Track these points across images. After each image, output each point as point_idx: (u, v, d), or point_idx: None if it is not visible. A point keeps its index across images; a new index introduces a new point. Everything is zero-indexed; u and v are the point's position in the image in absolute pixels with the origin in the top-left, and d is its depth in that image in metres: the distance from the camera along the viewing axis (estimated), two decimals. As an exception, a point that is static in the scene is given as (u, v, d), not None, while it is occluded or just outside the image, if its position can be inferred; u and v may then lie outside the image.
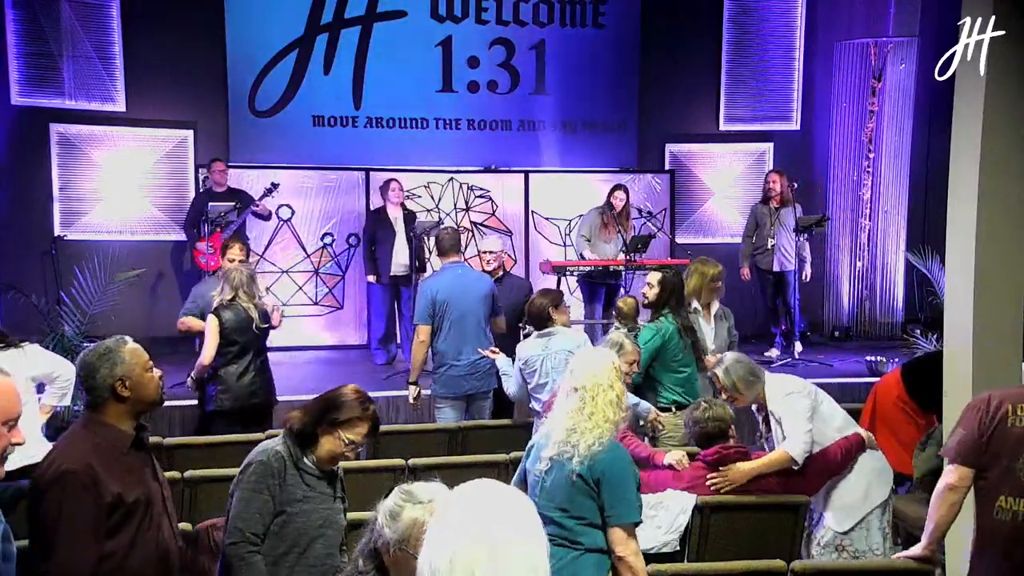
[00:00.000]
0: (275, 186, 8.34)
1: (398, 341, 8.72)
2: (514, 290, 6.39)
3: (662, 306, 5.46)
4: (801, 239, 8.54)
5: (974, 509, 3.27)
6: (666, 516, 3.96)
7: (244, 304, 5.52)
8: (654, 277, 5.56)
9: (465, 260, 7.00)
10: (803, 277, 8.76)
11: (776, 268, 8.68)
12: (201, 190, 8.78)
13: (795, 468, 4.10)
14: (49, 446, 3.93)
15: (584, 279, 8.44)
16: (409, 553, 2.17)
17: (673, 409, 5.27)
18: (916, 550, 3.40)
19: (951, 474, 3.23)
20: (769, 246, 8.65)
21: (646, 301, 5.60)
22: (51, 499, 2.80)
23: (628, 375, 4.73)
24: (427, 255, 8.33)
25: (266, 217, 8.69)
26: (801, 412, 4.16)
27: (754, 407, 4.44)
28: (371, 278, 8.48)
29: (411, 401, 5.94)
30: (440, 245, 6.00)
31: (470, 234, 9.51)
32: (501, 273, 6.39)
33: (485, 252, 6.41)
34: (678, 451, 4.33)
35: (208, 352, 5.48)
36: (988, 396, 3.24)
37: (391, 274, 8.34)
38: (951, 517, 3.27)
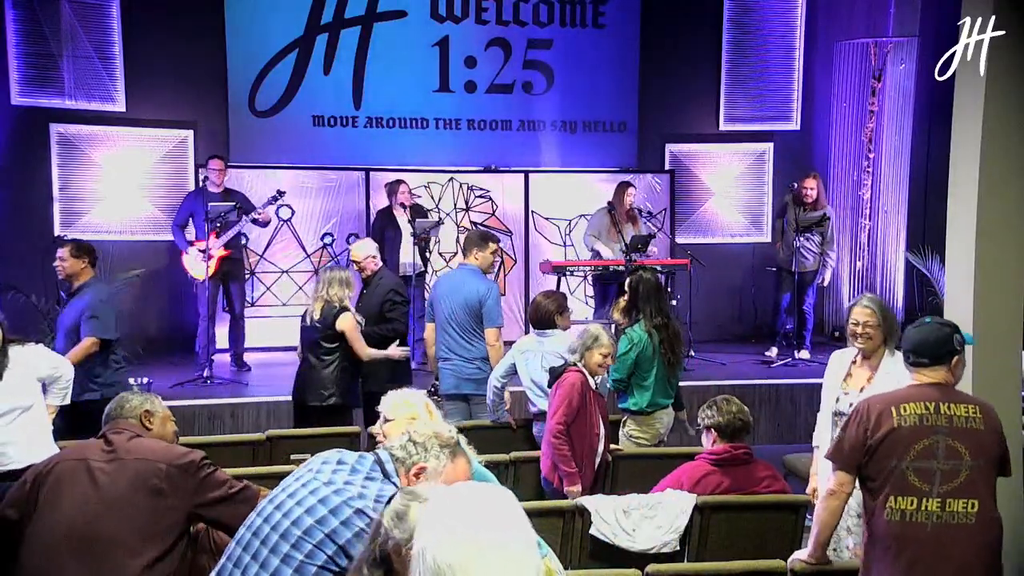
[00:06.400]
0: (281, 194, 8.04)
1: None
2: (376, 293, 6.04)
3: (635, 310, 5.35)
4: (826, 237, 8.54)
5: (863, 515, 3.33)
6: (666, 516, 3.97)
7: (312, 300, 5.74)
8: (628, 281, 5.48)
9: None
10: (821, 280, 8.74)
11: (795, 268, 8.64)
12: (195, 188, 8.65)
13: None
14: (57, 450, 3.93)
15: (597, 280, 8.47)
16: None
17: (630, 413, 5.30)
18: (804, 555, 3.43)
19: (832, 480, 3.30)
20: (794, 246, 8.62)
21: (620, 306, 5.53)
22: None
23: (603, 367, 4.86)
24: (427, 255, 8.30)
25: (264, 225, 8.44)
26: None
27: (860, 347, 4.33)
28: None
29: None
30: (464, 245, 5.97)
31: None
32: (370, 274, 6.09)
33: (353, 262, 6.17)
34: (577, 487, 4.46)
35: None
36: (868, 403, 3.26)
37: (399, 274, 8.30)
38: (834, 522, 3.35)
